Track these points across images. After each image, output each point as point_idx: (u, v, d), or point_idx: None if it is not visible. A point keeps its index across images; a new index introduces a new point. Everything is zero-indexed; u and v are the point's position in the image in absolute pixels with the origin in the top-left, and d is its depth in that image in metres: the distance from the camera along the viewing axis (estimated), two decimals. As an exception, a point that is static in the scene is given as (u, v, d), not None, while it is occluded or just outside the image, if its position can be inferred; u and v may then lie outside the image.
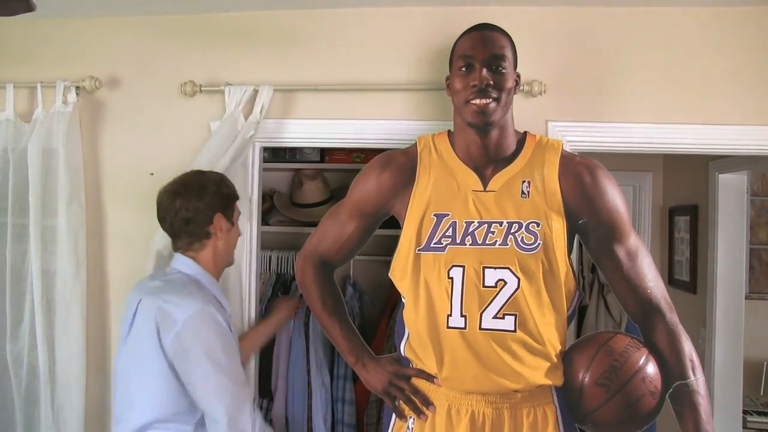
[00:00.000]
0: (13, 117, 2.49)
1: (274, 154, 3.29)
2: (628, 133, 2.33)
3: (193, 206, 2.02)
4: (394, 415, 1.95)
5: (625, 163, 3.80)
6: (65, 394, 2.40)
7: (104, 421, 2.48)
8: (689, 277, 3.65)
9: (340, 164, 3.43)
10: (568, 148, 2.21)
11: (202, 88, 2.40)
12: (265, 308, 3.12)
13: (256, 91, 2.35)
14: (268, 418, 3.07)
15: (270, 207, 3.46)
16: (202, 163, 2.28)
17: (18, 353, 2.46)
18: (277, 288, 3.20)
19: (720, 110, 2.30)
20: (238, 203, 2.16)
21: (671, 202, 3.98)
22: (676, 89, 2.31)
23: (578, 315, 3.26)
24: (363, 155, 3.35)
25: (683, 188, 3.84)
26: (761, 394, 4.17)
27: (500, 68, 1.83)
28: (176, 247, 2.10)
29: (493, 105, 1.81)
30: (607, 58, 2.32)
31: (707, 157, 3.36)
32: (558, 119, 2.31)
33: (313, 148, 3.37)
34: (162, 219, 2.08)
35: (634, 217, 4.02)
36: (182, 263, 2.06)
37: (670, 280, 3.84)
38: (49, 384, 2.40)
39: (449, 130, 1.96)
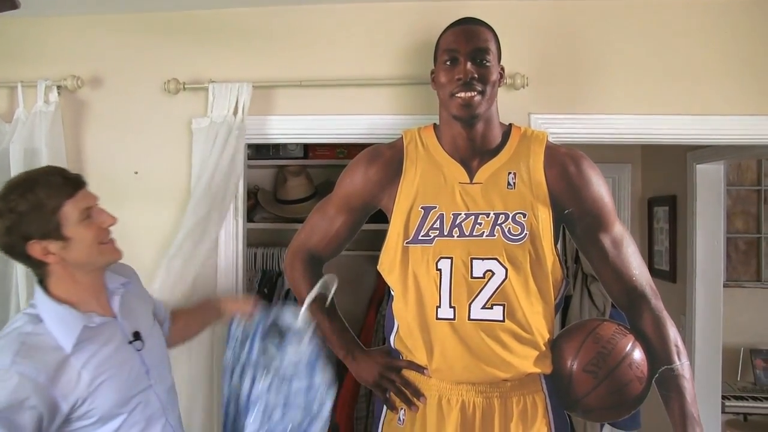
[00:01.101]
0: (-7, 117, 2.46)
1: (258, 151, 3.29)
2: (609, 124, 2.36)
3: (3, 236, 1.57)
4: (385, 407, 1.97)
5: (604, 155, 3.83)
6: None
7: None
8: (669, 267, 3.70)
9: (324, 160, 3.44)
10: (550, 139, 2.24)
11: (185, 86, 2.40)
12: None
13: (238, 89, 2.34)
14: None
15: (254, 204, 3.46)
16: (197, 170, 2.30)
17: (3, 355, 2.43)
18: (263, 285, 3.20)
19: (699, 101, 2.34)
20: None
21: (650, 192, 4.04)
22: (656, 80, 2.34)
23: (563, 305, 3.29)
24: (346, 150, 3.37)
25: (662, 179, 3.89)
26: (738, 379, 4.26)
27: (484, 61, 1.85)
28: None
29: (478, 98, 1.84)
30: (589, 50, 2.35)
31: (685, 147, 3.42)
32: (540, 112, 2.34)
33: (297, 145, 3.38)
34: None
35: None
36: (36, 296, 1.63)
37: (651, 270, 3.80)
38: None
39: (435, 124, 1.98)
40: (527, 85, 2.29)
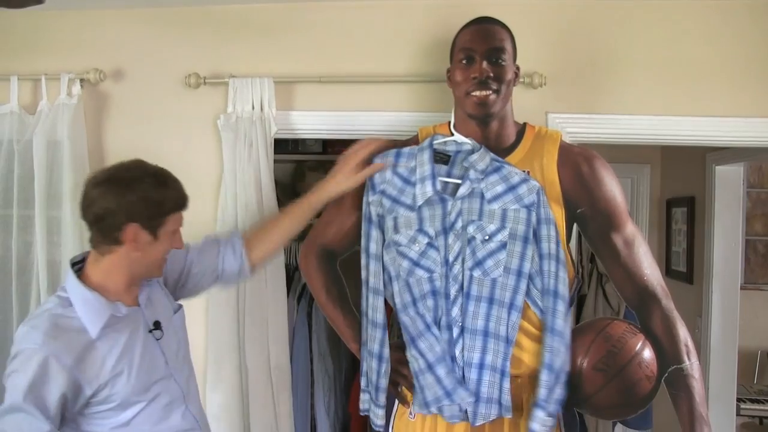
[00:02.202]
0: (17, 109, 2.49)
1: (277, 146, 3.29)
2: (627, 124, 2.36)
3: (105, 208, 1.61)
4: (396, 402, 1.99)
5: (623, 155, 3.83)
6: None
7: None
8: (686, 268, 3.69)
9: (342, 155, 3.44)
10: (567, 139, 2.24)
11: (206, 81, 2.42)
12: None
13: (260, 84, 2.37)
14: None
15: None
16: (229, 170, 2.34)
17: (25, 344, 2.47)
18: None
19: (719, 102, 2.33)
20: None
21: (669, 194, 4.02)
22: (676, 81, 2.34)
23: (577, 304, 3.29)
24: (364, 147, 3.38)
25: (681, 180, 3.87)
26: (755, 382, 4.23)
27: (500, 60, 1.87)
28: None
29: (493, 96, 1.85)
30: (607, 50, 2.35)
31: (705, 149, 3.40)
32: (558, 111, 2.34)
33: (316, 140, 3.40)
34: (81, 208, 1.67)
35: (632, 209, 4.06)
36: (68, 281, 1.68)
37: (668, 271, 3.88)
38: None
39: (450, 122, 1.99)
40: (545, 84, 2.29)
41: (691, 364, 1.84)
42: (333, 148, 3.47)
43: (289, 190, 3.59)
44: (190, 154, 2.48)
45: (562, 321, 1.80)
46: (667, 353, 1.85)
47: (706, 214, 3.46)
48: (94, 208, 1.62)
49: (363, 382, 1.97)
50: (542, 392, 1.79)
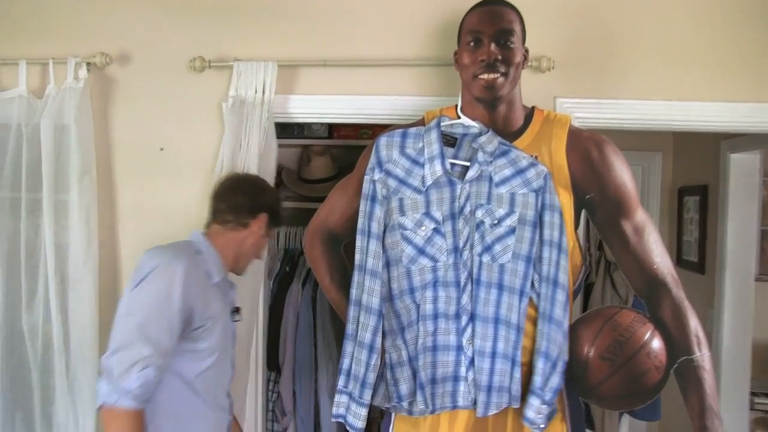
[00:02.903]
0: (26, 93, 2.50)
1: (283, 130, 3.29)
2: (637, 110, 2.32)
3: (247, 199, 2.02)
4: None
5: (634, 142, 3.78)
6: (79, 363, 2.43)
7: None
8: (698, 258, 3.64)
9: (348, 140, 3.44)
10: (576, 124, 2.21)
11: (211, 64, 2.41)
12: (274, 283, 3.15)
13: (264, 68, 2.35)
14: (275, 390, 3.11)
15: (278, 183, 3.48)
16: (227, 149, 2.34)
17: (33, 324, 2.49)
18: (285, 263, 3.22)
19: (733, 87, 2.29)
20: None
21: (681, 182, 3.97)
22: (688, 66, 2.30)
23: (584, 292, 3.26)
24: (370, 131, 3.36)
25: (693, 168, 3.82)
26: (769, 375, 4.17)
27: (509, 43, 1.84)
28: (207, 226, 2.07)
29: (501, 80, 1.83)
30: (618, 33, 2.31)
31: (719, 136, 3.34)
32: (566, 96, 2.30)
33: (321, 124, 3.38)
34: (214, 199, 2.05)
35: (643, 198, 3.99)
36: (193, 234, 2.02)
37: (679, 261, 3.84)
38: (63, 354, 2.43)
39: (457, 105, 1.97)
40: (553, 68, 2.26)
41: (702, 356, 1.81)
42: (339, 133, 3.45)
43: (294, 174, 3.58)
44: (193, 138, 2.47)
45: (561, 310, 1.78)
46: (677, 343, 1.82)
47: (720, 203, 3.41)
48: (236, 196, 2.01)
49: (341, 382, 1.88)
50: (538, 380, 1.77)
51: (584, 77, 2.32)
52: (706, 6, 2.29)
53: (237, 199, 2.02)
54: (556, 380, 1.78)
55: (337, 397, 1.90)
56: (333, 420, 1.92)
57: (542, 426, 1.79)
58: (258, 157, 2.35)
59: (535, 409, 1.77)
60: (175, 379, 1.82)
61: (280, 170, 3.50)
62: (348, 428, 1.88)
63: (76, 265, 2.44)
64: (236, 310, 2.05)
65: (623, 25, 2.31)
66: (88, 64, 2.46)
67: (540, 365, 1.78)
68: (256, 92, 2.36)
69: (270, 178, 2.40)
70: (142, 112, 2.52)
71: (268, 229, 2.06)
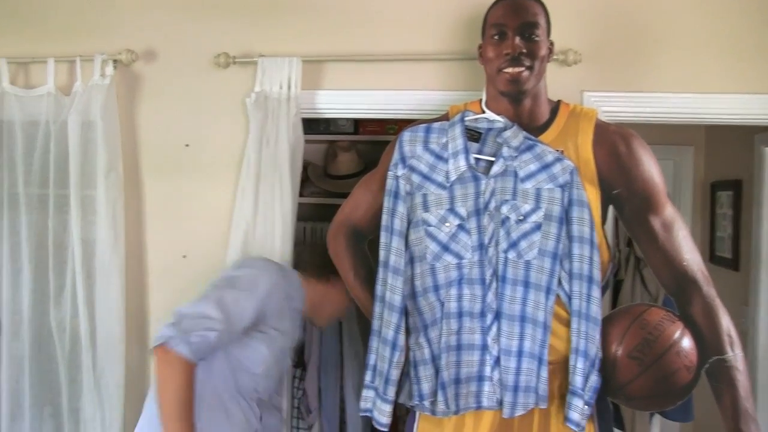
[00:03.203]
0: (53, 90, 2.52)
1: (308, 126, 3.26)
2: (667, 103, 2.27)
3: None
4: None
5: (664, 136, 3.71)
6: (106, 358, 2.46)
7: (144, 384, 2.54)
8: (731, 254, 3.56)
9: (374, 136, 3.42)
10: (604, 118, 2.16)
11: (235, 60, 2.41)
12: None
13: (288, 63, 2.34)
14: (301, 387, 3.10)
15: (304, 179, 3.47)
16: (253, 144, 2.35)
17: (61, 319, 2.53)
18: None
19: (766, 79, 2.22)
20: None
21: (713, 176, 3.89)
22: (719, 57, 2.24)
23: (614, 289, 3.21)
24: (396, 126, 3.34)
25: (726, 162, 3.74)
26: (807, 375, 4.07)
27: (533, 36, 1.81)
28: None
29: (526, 73, 1.80)
30: (646, 25, 2.26)
31: (753, 129, 3.25)
32: (594, 89, 2.26)
33: (347, 120, 3.37)
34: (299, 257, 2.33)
35: (674, 193, 3.93)
36: (292, 271, 2.23)
37: (712, 257, 3.76)
38: (90, 349, 2.46)
39: (481, 99, 1.94)
40: (580, 61, 2.22)
41: (735, 356, 1.76)
42: (365, 128, 3.44)
43: (320, 170, 3.57)
44: (218, 134, 2.48)
45: (597, 307, 1.74)
46: (708, 343, 1.78)
47: (754, 198, 3.33)
48: (326, 257, 2.13)
49: (368, 377, 1.89)
50: (578, 380, 1.73)
51: (612, 70, 2.27)
52: (738, -5, 2.23)
53: (327, 259, 2.13)
54: (595, 379, 1.75)
55: (364, 392, 1.89)
56: (360, 414, 1.91)
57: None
58: (287, 152, 2.34)
59: (579, 411, 1.74)
60: (226, 370, 1.95)
61: (305, 166, 3.49)
62: (374, 423, 1.87)
63: (102, 261, 2.46)
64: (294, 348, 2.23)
65: (651, 16, 2.25)
66: (115, 61, 2.49)
67: (580, 365, 1.74)
68: (281, 88, 2.35)
69: (298, 174, 2.40)
70: (167, 108, 2.53)
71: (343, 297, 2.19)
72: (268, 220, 2.36)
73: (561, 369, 1.81)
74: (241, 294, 1.94)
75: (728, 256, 3.58)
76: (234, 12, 2.47)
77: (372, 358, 1.88)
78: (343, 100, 2.43)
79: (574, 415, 1.74)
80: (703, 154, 3.97)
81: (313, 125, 3.30)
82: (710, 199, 3.88)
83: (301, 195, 3.28)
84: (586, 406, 1.73)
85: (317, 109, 2.45)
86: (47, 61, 2.52)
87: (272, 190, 2.34)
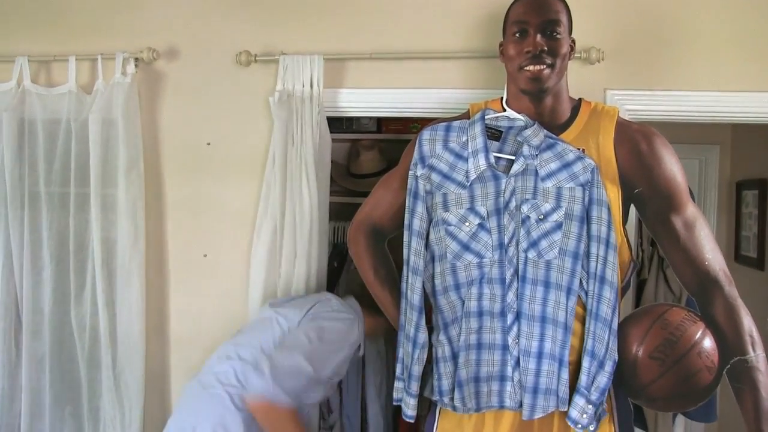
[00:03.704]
0: (75, 88, 2.54)
1: (331, 125, 3.27)
2: (691, 101, 2.24)
3: None
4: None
5: (690, 135, 3.68)
6: (125, 357, 2.47)
7: (163, 383, 2.56)
8: (757, 254, 3.51)
9: (397, 134, 3.41)
10: (628, 117, 2.15)
11: (257, 58, 2.41)
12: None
13: (310, 61, 2.34)
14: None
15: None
16: (278, 146, 2.35)
17: (81, 318, 2.54)
18: (333, 258, 3.21)
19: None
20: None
21: (739, 175, 3.84)
22: (745, 55, 2.20)
23: (637, 289, 3.18)
24: (419, 125, 3.32)
25: (752, 161, 3.69)
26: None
27: (555, 33, 1.79)
28: None
29: (547, 71, 1.78)
30: (670, 22, 2.23)
31: (779, 128, 3.21)
32: (617, 87, 2.24)
33: (370, 118, 3.36)
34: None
35: (700, 192, 3.89)
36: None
37: (737, 257, 3.71)
38: (110, 348, 2.47)
39: (502, 98, 1.92)
40: (603, 59, 2.19)
41: (757, 356, 1.73)
42: (387, 127, 3.43)
43: (343, 169, 3.57)
44: (241, 132, 2.48)
45: (608, 307, 1.72)
46: (730, 343, 1.75)
47: (780, 197, 3.29)
48: None
49: (398, 369, 1.91)
50: (584, 379, 1.72)
51: (635, 68, 2.24)
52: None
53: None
54: (603, 380, 1.73)
55: (396, 383, 1.92)
56: (394, 404, 1.94)
57: (591, 428, 1.74)
58: (313, 150, 2.34)
59: (579, 409, 1.73)
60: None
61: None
62: (402, 415, 1.89)
63: (123, 260, 2.47)
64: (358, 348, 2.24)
65: (675, 13, 2.22)
66: (136, 59, 2.49)
67: (586, 364, 1.73)
68: (303, 86, 2.35)
69: (327, 172, 2.41)
70: (189, 106, 2.54)
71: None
72: (297, 220, 2.36)
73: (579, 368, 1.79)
74: (331, 349, 2.09)
75: (753, 256, 3.54)
76: (256, 10, 2.47)
77: (400, 352, 1.90)
78: (365, 99, 2.42)
79: (573, 413, 1.73)
80: (729, 153, 3.93)
81: (335, 124, 3.29)
82: (735, 198, 3.83)
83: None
84: (589, 406, 1.72)
85: (339, 107, 2.44)
86: (69, 59, 2.53)
87: (300, 189, 2.34)
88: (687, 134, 3.64)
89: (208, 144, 2.52)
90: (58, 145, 2.56)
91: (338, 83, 2.42)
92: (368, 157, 3.45)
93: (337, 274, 3.15)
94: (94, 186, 2.48)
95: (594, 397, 1.72)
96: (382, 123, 3.43)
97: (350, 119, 3.36)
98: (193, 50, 2.53)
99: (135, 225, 2.47)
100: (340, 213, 3.30)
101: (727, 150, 3.93)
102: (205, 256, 2.52)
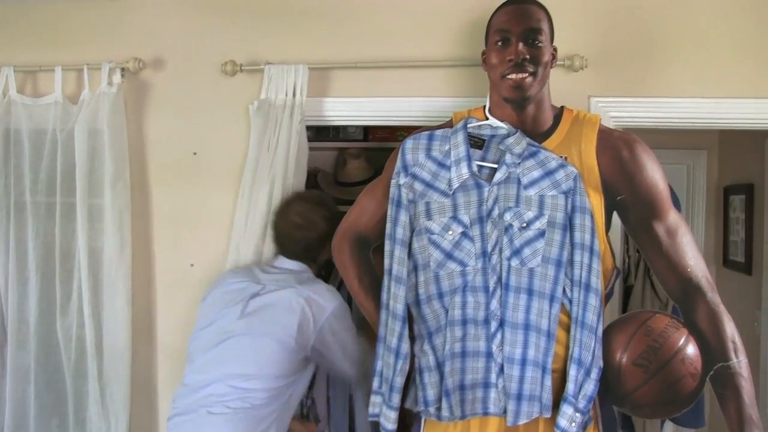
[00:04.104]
0: (61, 99, 2.53)
1: (318, 133, 3.29)
2: (676, 108, 2.25)
3: (313, 237, 2.23)
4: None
5: (678, 140, 3.70)
6: (111, 368, 2.46)
7: (150, 394, 2.55)
8: (744, 258, 3.53)
9: (384, 142, 3.41)
10: (612, 124, 2.16)
11: (242, 68, 2.41)
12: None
13: (294, 71, 2.34)
14: (309, 396, 3.09)
15: (314, 186, 3.47)
16: (254, 152, 2.35)
17: (67, 328, 2.53)
18: (320, 267, 3.20)
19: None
20: None
21: (726, 180, 3.86)
22: (728, 61, 2.22)
23: (624, 295, 3.18)
24: (406, 133, 3.32)
25: (739, 166, 3.71)
26: (822, 380, 4.02)
27: (537, 42, 1.80)
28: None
29: (529, 79, 1.79)
30: (654, 29, 2.24)
31: (764, 133, 3.23)
32: (601, 95, 2.25)
33: (357, 127, 3.36)
34: (281, 244, 2.27)
35: (688, 197, 3.91)
36: (293, 264, 2.25)
37: (725, 261, 3.73)
38: (96, 359, 2.46)
39: (485, 106, 1.93)
40: (587, 66, 2.20)
41: (739, 362, 1.74)
42: (374, 135, 3.43)
43: (330, 177, 3.57)
44: (226, 142, 2.48)
45: (593, 315, 1.72)
46: (713, 350, 1.76)
47: (766, 202, 3.30)
48: (302, 243, 2.25)
49: (376, 383, 1.88)
50: (571, 387, 1.72)
51: (619, 75, 2.25)
52: (748, -1, 2.20)
53: (303, 245, 2.25)
54: (590, 388, 1.73)
55: (372, 398, 1.90)
56: (369, 420, 1.92)
57: None
58: (286, 159, 2.34)
59: (568, 418, 1.72)
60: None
61: (316, 173, 3.50)
62: (381, 429, 1.87)
63: (109, 270, 2.47)
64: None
65: (659, 20, 2.23)
66: (122, 69, 2.49)
67: (573, 372, 1.73)
68: (286, 95, 2.35)
69: (302, 181, 2.40)
70: (175, 116, 2.54)
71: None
72: (258, 226, 2.35)
73: (564, 377, 1.79)
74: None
75: (741, 260, 3.56)
76: (241, 20, 2.48)
77: (378, 365, 1.88)
78: (350, 108, 2.43)
79: (562, 422, 1.73)
80: (717, 158, 3.94)
81: (322, 132, 3.30)
82: (723, 202, 3.85)
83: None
84: (577, 414, 1.72)
85: (324, 116, 2.44)
86: (55, 69, 2.53)
87: (268, 196, 2.34)
88: (674, 139, 3.66)
89: (195, 154, 2.52)
90: (44, 155, 2.55)
91: (324, 92, 2.42)
92: (355, 165, 3.44)
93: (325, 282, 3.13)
94: (80, 196, 2.48)
95: (582, 405, 1.72)
96: (368, 131, 3.43)
97: (337, 128, 3.36)
98: (179, 60, 2.53)
99: (121, 235, 2.47)
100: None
101: (715, 155, 3.96)
102: (192, 265, 2.52)
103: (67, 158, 2.52)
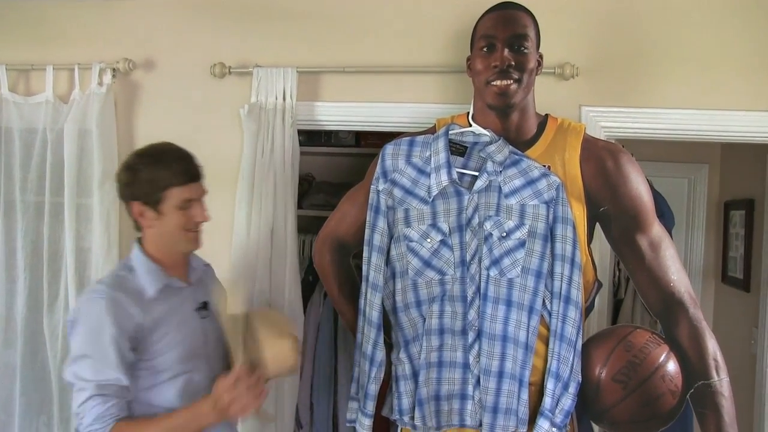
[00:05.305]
0: (52, 98, 2.54)
1: (310, 138, 3.27)
2: (669, 119, 2.21)
3: (122, 186, 1.82)
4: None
5: (680, 154, 3.65)
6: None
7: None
8: (743, 275, 3.47)
9: (375, 148, 3.37)
10: (603, 134, 2.12)
11: (231, 70, 2.40)
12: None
13: (283, 74, 2.33)
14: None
15: (307, 190, 3.46)
16: (248, 156, 2.33)
17: (54, 327, 2.53)
18: (308, 273, 3.18)
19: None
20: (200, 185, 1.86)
21: (727, 195, 3.80)
22: (723, 72, 2.18)
23: (614, 309, 3.14)
24: (397, 139, 3.31)
25: (740, 181, 3.65)
26: (821, 400, 3.94)
27: (522, 48, 1.77)
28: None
29: (514, 86, 1.76)
30: (647, 39, 2.20)
31: (765, 148, 3.18)
32: (592, 104, 2.21)
33: (349, 132, 3.35)
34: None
35: (688, 211, 3.86)
36: (133, 251, 1.84)
37: (724, 277, 3.67)
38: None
39: (469, 112, 1.90)
40: (577, 75, 2.17)
41: (720, 381, 1.70)
42: (366, 140, 3.41)
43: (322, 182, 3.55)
44: (215, 144, 2.46)
45: (572, 328, 1.69)
46: (694, 367, 1.72)
47: (766, 217, 3.25)
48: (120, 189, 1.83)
49: (353, 389, 1.88)
50: (548, 401, 1.69)
51: (611, 84, 2.22)
52: (745, 7, 2.16)
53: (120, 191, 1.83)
54: (567, 402, 1.70)
55: (350, 404, 1.90)
56: (347, 425, 1.91)
57: None
58: (282, 163, 2.33)
59: None
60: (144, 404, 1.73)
61: (308, 178, 3.49)
62: None
63: (96, 270, 2.45)
64: (203, 306, 1.85)
65: (653, 29, 2.20)
66: (113, 69, 2.49)
67: (550, 386, 1.70)
68: (276, 98, 2.34)
69: (295, 184, 2.39)
70: (165, 117, 2.53)
71: (155, 212, 1.76)
72: (264, 232, 2.33)
73: (542, 391, 1.75)
74: (93, 351, 1.69)
75: (739, 277, 3.49)
76: (231, 22, 2.47)
77: (356, 371, 1.87)
78: (339, 112, 2.41)
79: None
80: (718, 173, 3.89)
81: (314, 137, 3.29)
82: (723, 218, 3.80)
83: (300, 207, 3.27)
84: (553, 429, 1.69)
85: (315, 120, 2.43)
86: (46, 68, 2.53)
87: (269, 201, 2.32)
88: (676, 153, 3.61)
89: (185, 155, 2.50)
90: (34, 154, 2.56)
91: (314, 96, 2.41)
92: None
93: (311, 288, 3.12)
94: (69, 195, 2.48)
95: (558, 419, 1.69)
96: (360, 136, 3.42)
97: (329, 133, 3.35)
98: (169, 62, 2.53)
99: (108, 235, 2.46)
100: (316, 227, 3.27)
101: (716, 169, 3.90)
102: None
103: (57, 157, 2.52)
